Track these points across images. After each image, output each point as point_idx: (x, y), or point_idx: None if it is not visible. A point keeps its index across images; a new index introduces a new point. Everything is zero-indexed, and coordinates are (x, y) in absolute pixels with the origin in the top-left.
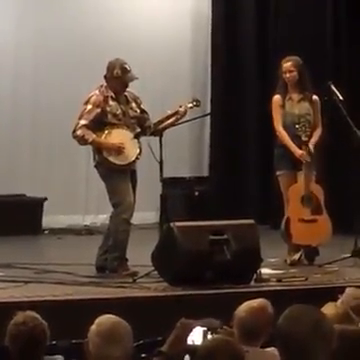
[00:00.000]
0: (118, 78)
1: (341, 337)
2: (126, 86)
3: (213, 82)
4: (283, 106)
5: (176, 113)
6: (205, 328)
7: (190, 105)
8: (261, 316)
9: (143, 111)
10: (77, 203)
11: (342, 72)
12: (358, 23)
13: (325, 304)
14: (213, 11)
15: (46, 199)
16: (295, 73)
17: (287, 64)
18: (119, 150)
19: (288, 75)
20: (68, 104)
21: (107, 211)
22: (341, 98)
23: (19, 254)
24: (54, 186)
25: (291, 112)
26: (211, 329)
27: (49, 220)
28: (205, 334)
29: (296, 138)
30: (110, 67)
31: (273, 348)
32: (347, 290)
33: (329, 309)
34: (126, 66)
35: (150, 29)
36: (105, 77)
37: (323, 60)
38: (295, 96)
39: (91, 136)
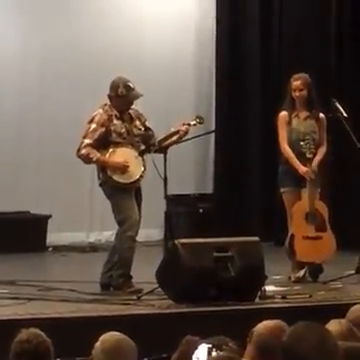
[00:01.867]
0: (123, 97)
1: (347, 355)
2: (131, 104)
3: (217, 99)
4: (289, 123)
5: (178, 132)
6: (210, 345)
7: (193, 122)
8: (279, 335)
9: (147, 128)
10: (81, 220)
11: (346, 89)
12: None
13: (329, 321)
14: (217, 28)
15: (50, 216)
16: (305, 92)
17: (297, 82)
18: (124, 169)
19: (298, 93)
20: (73, 121)
21: (111, 228)
22: (345, 115)
23: (23, 271)
24: (58, 203)
25: (297, 129)
26: (216, 346)
27: (53, 237)
28: (210, 351)
29: (301, 155)
30: (114, 86)
31: None
32: (353, 308)
33: (333, 326)
34: (130, 84)
35: (155, 46)
36: (109, 96)
37: (327, 77)
38: (302, 114)
39: (96, 155)
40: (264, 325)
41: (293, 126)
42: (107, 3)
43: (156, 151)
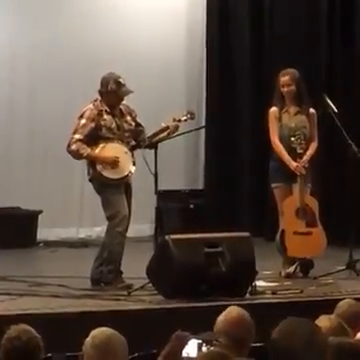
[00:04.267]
0: (113, 92)
1: (338, 350)
2: (121, 100)
3: (208, 95)
4: (280, 119)
5: (168, 127)
6: (200, 341)
7: (184, 118)
8: (241, 326)
9: (138, 124)
10: (72, 216)
11: (336, 85)
12: (352, 35)
13: (319, 317)
14: (208, 24)
15: (41, 212)
16: (293, 87)
17: (285, 78)
18: (114, 163)
19: (286, 89)
20: (63, 117)
21: (102, 224)
22: (335, 110)
23: (13, 267)
24: (49, 199)
25: (287, 125)
26: (206, 342)
27: (44, 233)
28: (200, 347)
29: (292, 151)
30: (104, 82)
31: None
32: (341, 302)
33: (323, 322)
34: (120, 80)
35: (145, 42)
36: (99, 92)
37: (317, 72)
38: (292, 109)
39: (86, 150)
40: (223, 317)
41: (283, 122)
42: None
43: (146, 147)
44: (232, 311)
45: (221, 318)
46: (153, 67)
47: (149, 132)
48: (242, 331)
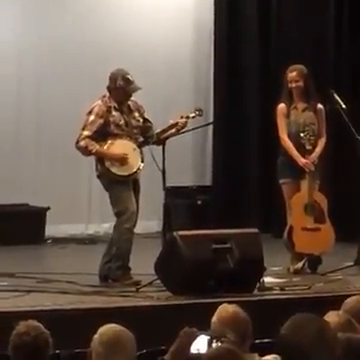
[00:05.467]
0: (121, 89)
1: (347, 346)
2: (129, 96)
3: (216, 91)
4: (288, 115)
5: (177, 124)
6: (210, 336)
7: (192, 115)
8: (237, 321)
9: (146, 120)
10: (80, 212)
11: (344, 80)
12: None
13: (328, 313)
14: (216, 21)
15: (49, 208)
16: (301, 83)
17: (292, 74)
18: (123, 160)
19: (294, 85)
20: (71, 113)
21: (110, 220)
22: (343, 106)
23: (22, 263)
24: (57, 195)
25: (296, 121)
26: (216, 337)
27: (52, 229)
28: (210, 342)
29: (301, 147)
30: (112, 78)
31: (273, 356)
32: (348, 299)
33: (331, 318)
34: (128, 77)
35: (153, 38)
36: (108, 88)
37: (325, 69)
38: (300, 105)
39: (94, 147)
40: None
41: (292, 118)
42: None
43: (154, 143)
44: (227, 308)
45: (215, 318)
46: (161, 63)
47: (157, 129)
48: (240, 327)
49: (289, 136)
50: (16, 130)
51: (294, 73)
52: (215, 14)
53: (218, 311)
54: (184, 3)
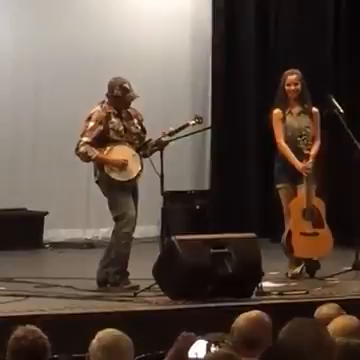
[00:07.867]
0: (118, 97)
1: (345, 351)
2: (128, 105)
3: (213, 95)
4: (283, 119)
5: (188, 124)
6: (207, 341)
7: (193, 122)
8: (259, 326)
9: (143, 129)
10: (78, 217)
11: (342, 85)
12: (358, 35)
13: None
14: (213, 26)
15: (47, 213)
16: (299, 86)
17: (293, 77)
18: (123, 166)
19: (293, 87)
20: (69, 118)
21: (108, 224)
22: (341, 111)
23: (20, 268)
24: (55, 200)
25: (292, 126)
26: (214, 342)
27: (50, 234)
28: (208, 347)
29: (298, 151)
30: (110, 86)
31: None
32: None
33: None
34: (126, 85)
35: (151, 42)
36: (107, 95)
37: (323, 74)
38: (295, 109)
39: (94, 153)
40: (243, 316)
41: (287, 123)
42: None
43: (154, 146)
44: (252, 312)
45: (241, 318)
46: (158, 67)
47: (166, 130)
48: (258, 331)
49: (286, 141)
50: (14, 135)
51: (294, 76)
52: (213, 18)
53: (246, 313)
54: (182, 7)
